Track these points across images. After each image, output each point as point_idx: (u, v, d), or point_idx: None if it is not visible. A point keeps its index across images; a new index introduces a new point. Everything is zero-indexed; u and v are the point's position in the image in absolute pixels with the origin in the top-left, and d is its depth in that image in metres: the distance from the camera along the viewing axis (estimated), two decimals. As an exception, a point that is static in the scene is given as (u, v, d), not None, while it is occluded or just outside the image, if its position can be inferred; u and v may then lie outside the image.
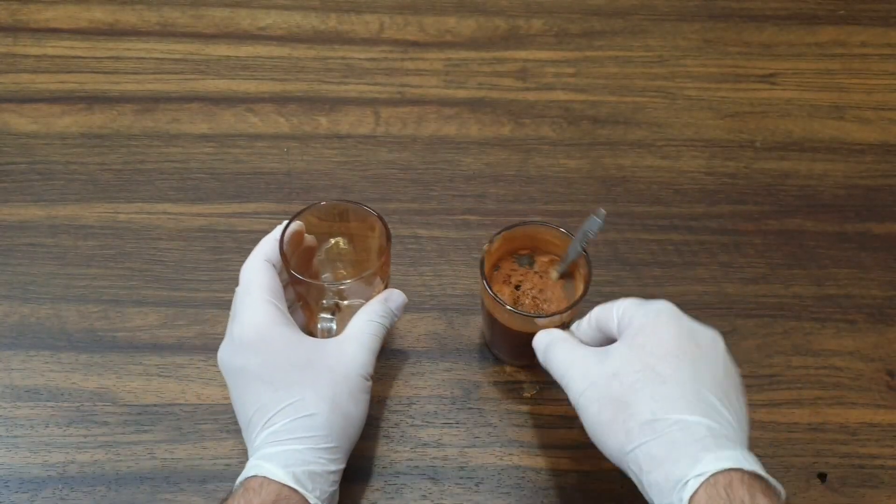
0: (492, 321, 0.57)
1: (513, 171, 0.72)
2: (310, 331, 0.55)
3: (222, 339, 0.61)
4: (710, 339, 0.47)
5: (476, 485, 0.56)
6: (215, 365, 0.60)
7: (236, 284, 0.64)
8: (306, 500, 0.46)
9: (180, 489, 0.55)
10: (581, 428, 0.47)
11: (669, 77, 0.79)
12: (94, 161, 0.71)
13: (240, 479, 0.48)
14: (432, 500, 0.55)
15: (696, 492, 0.40)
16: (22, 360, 0.60)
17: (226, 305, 0.63)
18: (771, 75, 0.79)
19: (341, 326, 0.54)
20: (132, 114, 0.74)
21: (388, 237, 0.54)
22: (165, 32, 0.80)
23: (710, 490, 0.40)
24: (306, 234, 0.55)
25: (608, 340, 0.50)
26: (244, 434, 0.51)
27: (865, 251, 0.68)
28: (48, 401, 0.59)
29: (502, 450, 0.58)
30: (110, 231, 0.67)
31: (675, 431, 0.42)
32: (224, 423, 0.58)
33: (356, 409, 0.50)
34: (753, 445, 0.58)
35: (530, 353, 0.53)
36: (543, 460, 0.57)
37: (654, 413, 0.43)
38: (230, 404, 0.58)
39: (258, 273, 0.52)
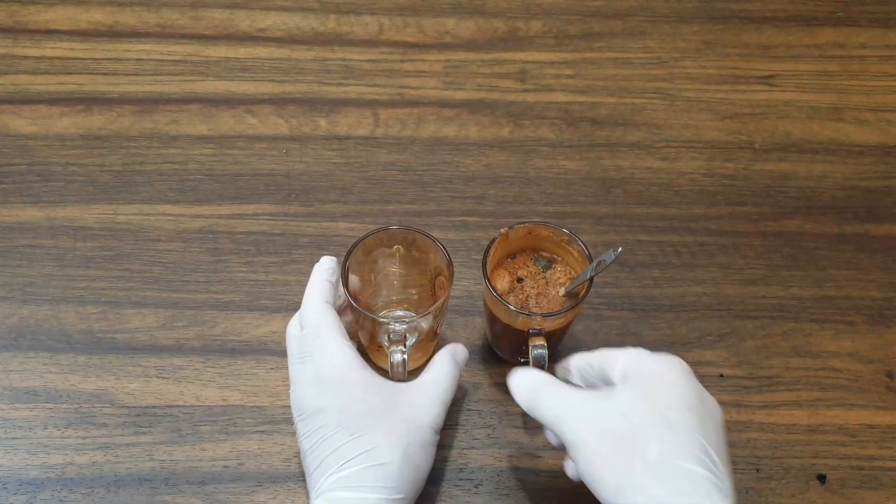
0: (492, 317, 0.57)
1: (512, 172, 0.72)
2: (368, 359, 0.55)
3: (221, 340, 0.62)
4: (712, 402, 0.48)
5: (475, 486, 0.56)
6: (214, 366, 0.60)
7: (235, 286, 0.64)
8: None
9: (179, 491, 0.55)
10: (543, 427, 0.48)
11: (668, 78, 0.79)
12: (93, 162, 0.71)
13: None
14: (431, 502, 0.55)
15: None
16: (20, 361, 0.60)
17: (224, 307, 0.63)
18: (770, 77, 0.79)
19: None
20: (131, 115, 0.74)
21: (452, 270, 0.54)
22: (164, 34, 0.80)
23: None
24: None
25: (600, 385, 0.50)
26: (310, 475, 0.50)
27: (864, 252, 0.68)
28: (47, 402, 0.59)
29: (501, 451, 0.58)
30: (109, 232, 0.67)
31: (682, 479, 0.42)
32: (222, 424, 0.58)
33: (425, 461, 0.50)
34: (753, 446, 0.58)
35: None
36: (543, 462, 0.57)
37: (661, 455, 0.43)
38: (228, 406, 0.59)
39: (325, 314, 0.52)
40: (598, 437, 0.45)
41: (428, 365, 0.54)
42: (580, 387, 0.51)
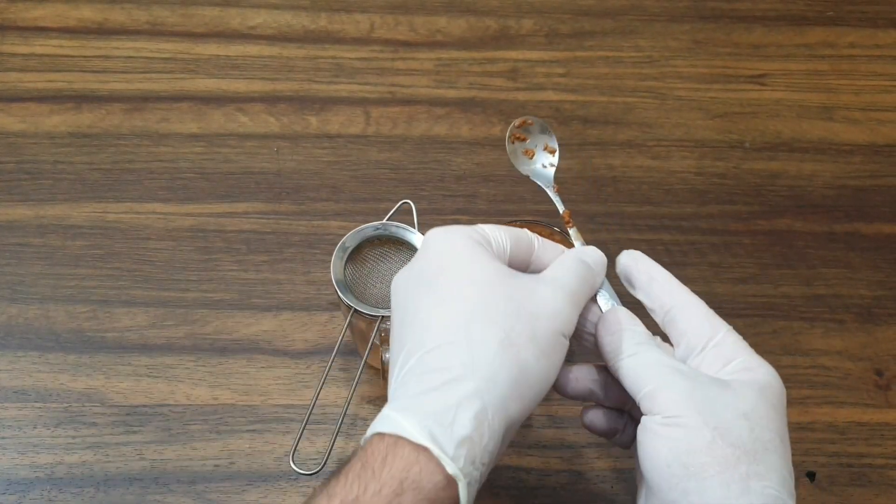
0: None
1: (503, 170, 0.72)
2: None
3: (211, 339, 0.61)
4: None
5: (466, 485, 0.56)
6: (205, 365, 0.60)
7: (226, 285, 0.64)
8: (445, 472, 0.35)
9: (169, 490, 0.55)
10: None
11: (659, 77, 0.79)
12: (83, 161, 0.71)
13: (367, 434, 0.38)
14: (423, 501, 0.55)
15: None
16: (9, 360, 0.60)
17: (215, 305, 0.63)
18: (760, 76, 0.80)
19: None
20: (121, 113, 0.74)
21: None
22: (155, 31, 0.79)
23: None
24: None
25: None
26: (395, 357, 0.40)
27: (854, 251, 0.68)
28: (36, 401, 0.58)
29: (493, 450, 0.58)
30: (99, 231, 0.67)
31: None
32: (213, 423, 0.58)
33: (538, 365, 0.38)
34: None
35: None
36: (534, 460, 0.57)
37: (786, 483, 0.37)
38: (219, 405, 0.59)
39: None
40: (707, 432, 0.37)
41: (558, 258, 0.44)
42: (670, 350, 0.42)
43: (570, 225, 0.49)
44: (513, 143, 0.53)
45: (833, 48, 0.82)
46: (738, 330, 0.63)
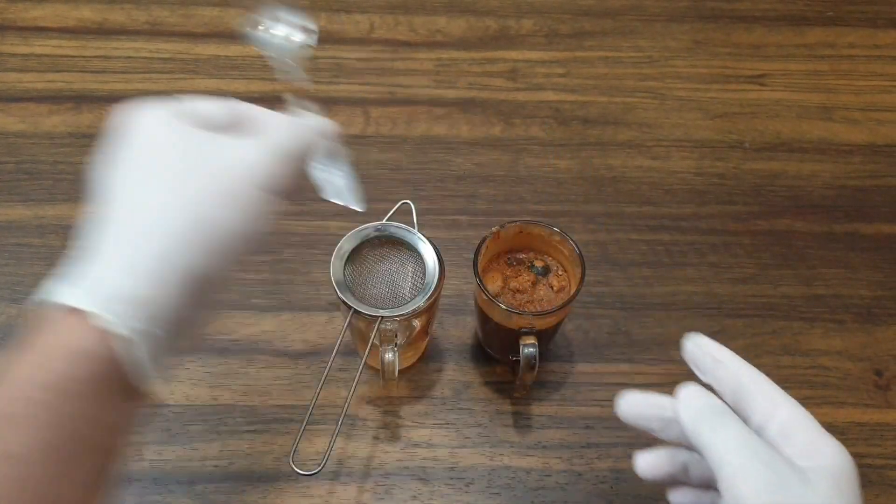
0: (483, 316, 0.57)
1: (503, 171, 0.72)
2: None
3: (211, 339, 0.61)
4: None
5: (466, 485, 0.56)
6: (205, 366, 0.60)
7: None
8: (105, 330, 0.33)
9: (169, 490, 0.55)
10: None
11: (659, 78, 0.79)
12: (83, 161, 0.71)
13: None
14: (422, 501, 0.55)
15: None
16: (9, 361, 0.60)
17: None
18: (760, 76, 0.80)
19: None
20: (121, 113, 0.74)
21: (443, 269, 0.54)
22: (154, 31, 0.79)
23: None
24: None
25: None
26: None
27: (853, 251, 0.68)
28: (36, 402, 0.58)
29: (493, 450, 0.58)
30: (98, 231, 0.67)
31: None
32: (213, 424, 0.58)
33: (225, 217, 0.37)
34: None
35: (517, 349, 0.53)
36: (534, 460, 0.57)
37: None
38: (219, 405, 0.58)
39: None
40: None
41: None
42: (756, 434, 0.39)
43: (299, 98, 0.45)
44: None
45: (833, 48, 0.82)
46: (738, 330, 0.63)
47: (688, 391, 0.39)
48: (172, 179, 0.37)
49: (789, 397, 0.39)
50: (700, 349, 0.42)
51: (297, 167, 0.41)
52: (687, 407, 0.39)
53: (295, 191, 0.41)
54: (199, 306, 0.37)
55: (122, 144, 0.38)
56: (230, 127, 0.40)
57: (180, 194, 0.36)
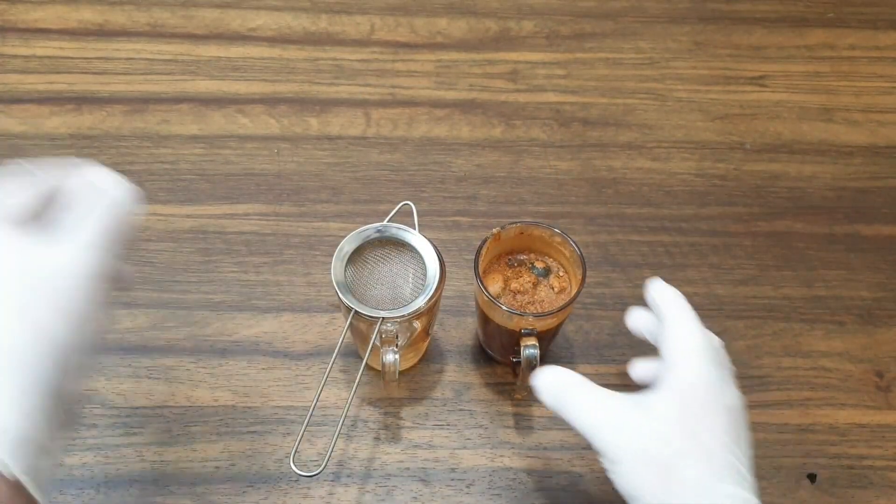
0: (484, 317, 0.57)
1: (504, 172, 0.72)
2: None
3: (212, 340, 0.61)
4: (739, 403, 0.47)
5: (467, 486, 0.56)
6: (205, 367, 0.60)
7: (226, 286, 0.64)
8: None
9: (170, 492, 0.55)
10: (574, 430, 0.47)
11: (660, 79, 0.79)
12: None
13: None
14: (423, 502, 0.55)
15: None
16: (10, 362, 0.60)
17: (215, 307, 0.63)
18: (760, 77, 0.80)
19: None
20: (121, 115, 0.74)
21: (444, 270, 0.54)
22: (155, 33, 0.80)
23: None
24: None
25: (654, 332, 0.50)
26: None
27: (854, 253, 0.68)
28: (36, 403, 0.58)
29: (493, 451, 0.58)
30: (99, 232, 0.67)
31: (721, 500, 0.43)
32: (213, 425, 0.58)
33: (65, 326, 0.37)
34: (743, 446, 0.58)
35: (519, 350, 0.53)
36: (535, 462, 0.57)
37: (700, 479, 0.43)
38: (220, 406, 0.59)
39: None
40: (635, 458, 0.44)
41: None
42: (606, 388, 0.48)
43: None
44: None
45: (833, 50, 0.82)
46: (739, 331, 0.63)
47: (542, 377, 0.48)
48: (10, 300, 0.36)
49: (674, 322, 0.48)
50: (657, 292, 0.50)
51: (116, 251, 0.40)
52: (544, 389, 0.48)
53: (117, 275, 0.40)
54: (73, 415, 0.38)
55: None
56: (42, 215, 0.39)
57: (23, 316, 0.36)
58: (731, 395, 0.46)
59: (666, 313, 0.49)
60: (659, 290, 0.50)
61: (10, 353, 0.35)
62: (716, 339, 0.49)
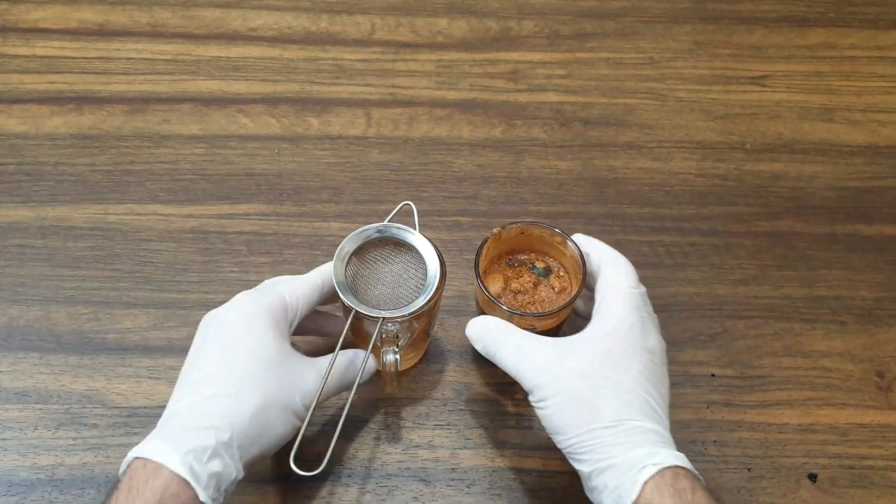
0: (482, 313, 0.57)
1: (504, 172, 0.72)
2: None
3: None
4: (658, 345, 0.51)
5: (467, 486, 0.56)
6: (206, 367, 0.60)
7: (227, 286, 0.64)
8: (197, 496, 0.45)
9: (170, 492, 0.55)
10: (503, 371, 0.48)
11: (660, 79, 0.79)
12: (84, 162, 0.71)
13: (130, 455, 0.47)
14: (423, 502, 0.55)
15: (651, 476, 0.45)
16: (10, 362, 0.60)
17: (216, 307, 0.63)
18: (761, 77, 0.80)
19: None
20: (122, 115, 0.74)
21: (444, 270, 0.54)
22: (156, 33, 0.80)
23: (659, 479, 0.45)
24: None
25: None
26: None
27: (855, 253, 0.68)
28: (37, 403, 0.58)
29: (494, 451, 0.58)
30: (100, 232, 0.67)
31: (636, 434, 0.47)
32: (214, 425, 0.58)
33: (279, 425, 0.50)
34: (744, 446, 0.58)
35: None
36: (535, 462, 0.57)
37: (616, 415, 0.47)
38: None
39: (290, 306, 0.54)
40: (559, 395, 0.48)
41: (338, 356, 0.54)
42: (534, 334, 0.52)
43: None
44: None
45: (834, 49, 0.82)
46: (739, 331, 0.63)
47: (473, 324, 0.53)
48: (265, 391, 0.49)
49: (621, 273, 0.52)
50: (588, 243, 0.55)
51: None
52: (475, 336, 0.53)
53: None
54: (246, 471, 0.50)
55: (237, 335, 0.51)
56: (306, 319, 0.55)
57: (265, 407, 0.49)
58: (652, 340, 0.51)
59: (597, 261, 0.54)
60: (589, 240, 0.55)
61: (242, 432, 0.48)
62: (642, 288, 0.53)
